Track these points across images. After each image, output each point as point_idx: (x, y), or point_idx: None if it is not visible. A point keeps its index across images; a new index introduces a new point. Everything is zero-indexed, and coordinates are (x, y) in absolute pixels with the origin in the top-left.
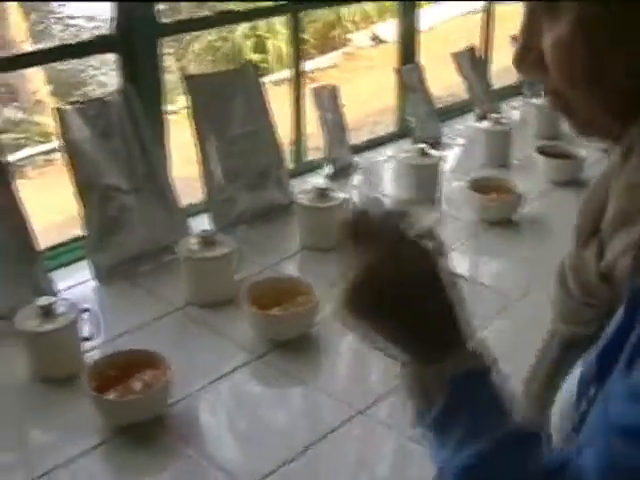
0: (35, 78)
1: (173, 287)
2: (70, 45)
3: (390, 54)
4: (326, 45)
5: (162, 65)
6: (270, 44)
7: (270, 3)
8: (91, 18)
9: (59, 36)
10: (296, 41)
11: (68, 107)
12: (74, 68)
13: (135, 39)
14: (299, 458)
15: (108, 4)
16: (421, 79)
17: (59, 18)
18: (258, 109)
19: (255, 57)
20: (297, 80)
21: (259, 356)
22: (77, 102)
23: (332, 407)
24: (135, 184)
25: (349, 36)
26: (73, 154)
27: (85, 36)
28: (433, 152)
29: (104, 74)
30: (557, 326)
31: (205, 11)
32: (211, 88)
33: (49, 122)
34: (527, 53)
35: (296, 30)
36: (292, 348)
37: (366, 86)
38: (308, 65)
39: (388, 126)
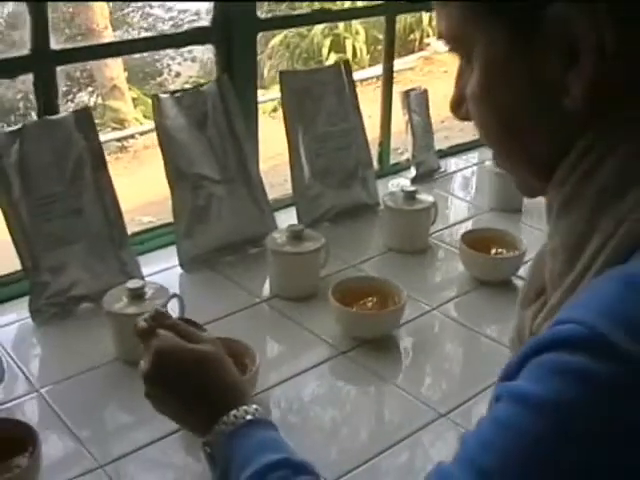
0: (113, 64)
1: (258, 279)
2: (168, 35)
3: None
4: (404, 48)
5: (257, 59)
6: (349, 44)
7: (368, 3)
8: (169, 8)
9: (136, 25)
10: (390, 43)
11: (165, 95)
12: (150, 57)
13: (234, 32)
14: (378, 457)
15: None
16: None
17: (138, 7)
18: (350, 108)
19: (332, 56)
20: (388, 81)
21: (343, 352)
22: (173, 91)
23: (415, 408)
24: (226, 175)
25: (427, 40)
26: (167, 142)
27: (162, 26)
28: None
29: (179, 64)
30: None
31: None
32: (304, 84)
33: (125, 108)
34: (459, 105)
35: (391, 32)
36: (376, 347)
37: (441, 90)
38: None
39: (464, 134)
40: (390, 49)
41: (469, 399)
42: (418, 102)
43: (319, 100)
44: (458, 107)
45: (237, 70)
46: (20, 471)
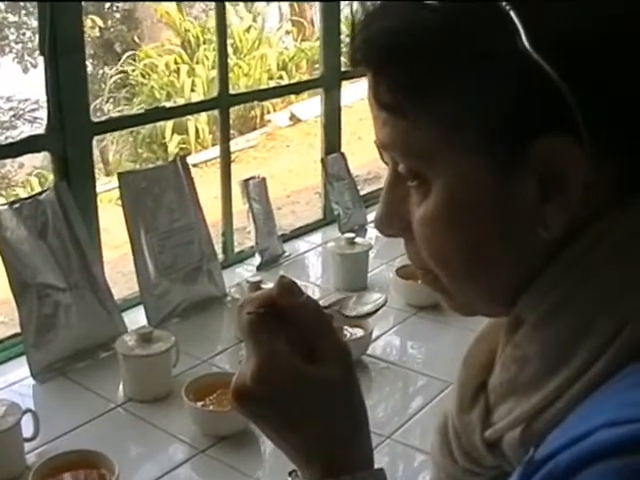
0: None
1: (112, 384)
2: (3, 145)
3: (308, 132)
4: (245, 126)
5: (94, 162)
6: (191, 125)
7: (200, 99)
8: (8, 98)
9: None
10: (226, 135)
11: (3, 207)
12: None
13: (69, 139)
14: None
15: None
16: (346, 167)
17: None
18: (189, 203)
19: (175, 138)
20: (226, 174)
21: (202, 450)
22: (12, 202)
23: None
24: (71, 282)
25: (268, 117)
26: (8, 253)
27: (1, 117)
28: (360, 240)
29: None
30: None
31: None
32: (143, 184)
33: None
34: (390, 221)
35: (226, 125)
36: (234, 441)
37: (285, 165)
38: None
39: (310, 208)
40: (225, 143)
41: None
42: (257, 190)
43: (159, 198)
44: (389, 224)
45: (74, 175)
46: None
